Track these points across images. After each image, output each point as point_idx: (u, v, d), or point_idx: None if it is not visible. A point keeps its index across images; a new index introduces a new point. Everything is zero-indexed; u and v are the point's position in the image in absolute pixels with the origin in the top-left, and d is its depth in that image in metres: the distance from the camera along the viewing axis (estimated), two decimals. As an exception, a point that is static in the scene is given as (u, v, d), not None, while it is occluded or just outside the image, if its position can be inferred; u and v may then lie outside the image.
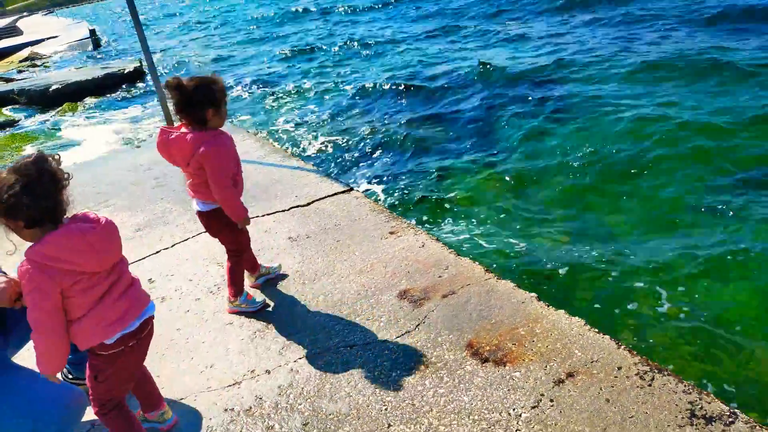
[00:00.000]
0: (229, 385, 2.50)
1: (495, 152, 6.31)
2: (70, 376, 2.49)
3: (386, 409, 2.24)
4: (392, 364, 2.49)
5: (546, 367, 2.34)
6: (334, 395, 2.35)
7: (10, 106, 13.62)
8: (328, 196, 4.45)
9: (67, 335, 1.75)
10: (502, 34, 13.49)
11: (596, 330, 2.52)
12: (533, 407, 2.15)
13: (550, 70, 9.32)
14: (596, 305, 3.50)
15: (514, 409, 2.15)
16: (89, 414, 2.17)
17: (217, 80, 2.56)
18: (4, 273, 2.21)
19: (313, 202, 4.38)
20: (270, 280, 3.29)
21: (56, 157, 1.68)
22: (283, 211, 4.29)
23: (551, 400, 2.17)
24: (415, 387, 2.33)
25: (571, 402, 2.15)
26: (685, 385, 2.14)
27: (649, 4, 13.49)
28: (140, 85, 14.80)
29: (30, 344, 2.34)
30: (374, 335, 2.70)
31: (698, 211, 4.57)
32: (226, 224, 2.80)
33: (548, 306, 2.72)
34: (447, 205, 5.31)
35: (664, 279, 3.76)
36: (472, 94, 8.68)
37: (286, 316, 2.95)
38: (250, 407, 2.35)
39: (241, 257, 2.99)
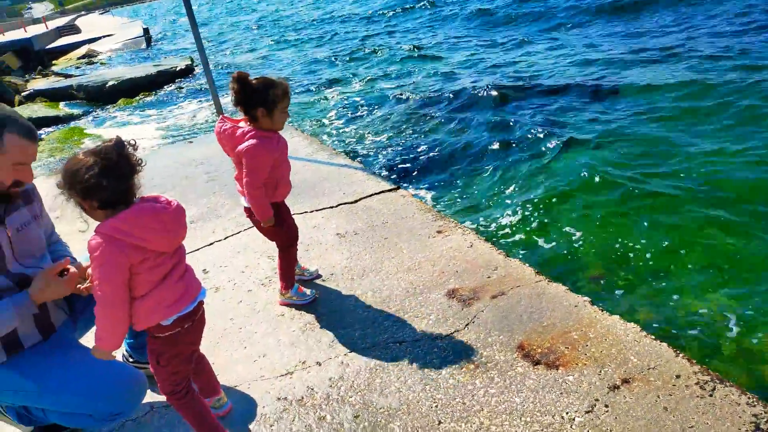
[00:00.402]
0: (281, 375, 2.55)
1: (545, 155, 6.22)
2: (131, 360, 2.59)
3: (436, 406, 2.25)
4: (441, 361, 2.49)
5: (600, 372, 2.30)
6: (384, 390, 2.38)
7: (67, 101, 14.21)
8: (375, 193, 4.48)
9: (129, 312, 1.81)
10: (552, 40, 13.29)
11: (653, 336, 2.47)
12: (587, 412, 2.12)
13: (600, 74, 9.13)
14: (652, 311, 3.41)
15: (567, 413, 2.13)
16: (149, 396, 2.26)
17: (278, 84, 2.60)
18: (74, 259, 2.32)
19: (360, 199, 4.42)
20: (313, 279, 3.33)
21: (132, 143, 1.75)
22: (331, 207, 4.34)
23: (606, 406, 2.13)
24: (465, 386, 2.33)
25: (627, 408, 2.11)
26: (748, 397, 2.07)
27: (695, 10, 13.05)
28: (192, 81, 15.21)
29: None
30: (423, 333, 2.71)
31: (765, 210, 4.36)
32: (273, 223, 2.87)
33: (602, 311, 2.68)
34: (495, 206, 5.27)
35: (725, 284, 3.63)
36: (522, 98, 8.58)
37: (336, 311, 2.99)
38: (302, 397, 2.40)
39: (290, 251, 3.04)
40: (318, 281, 3.30)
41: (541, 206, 4.99)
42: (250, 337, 2.87)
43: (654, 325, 3.28)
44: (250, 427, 2.28)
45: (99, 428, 2.33)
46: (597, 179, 5.26)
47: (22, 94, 14.72)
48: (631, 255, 4.03)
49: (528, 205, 5.03)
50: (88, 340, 2.45)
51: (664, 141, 5.99)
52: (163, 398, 2.44)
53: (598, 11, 14.95)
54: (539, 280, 2.97)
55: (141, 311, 1.81)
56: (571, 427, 2.07)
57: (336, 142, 8.13)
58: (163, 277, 1.81)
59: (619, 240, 4.22)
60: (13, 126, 1.84)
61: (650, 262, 3.94)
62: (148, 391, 2.19)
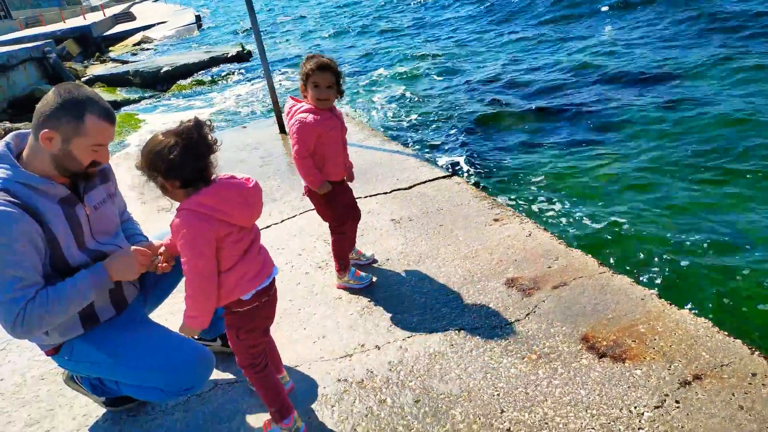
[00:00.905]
0: (341, 357, 2.58)
1: (606, 143, 6.03)
2: (196, 337, 2.66)
3: (498, 395, 2.22)
4: (502, 350, 2.46)
5: (670, 367, 2.22)
6: (444, 376, 2.37)
7: (124, 87, 14.66)
8: (429, 180, 4.45)
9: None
10: (600, 29, 12.83)
11: (725, 332, 2.37)
12: (657, 407, 2.05)
13: (662, 62, 8.77)
14: (723, 306, 3.28)
15: (635, 407, 2.07)
16: (213, 374, 2.33)
17: (310, 59, 2.71)
18: (145, 237, 2.39)
19: (414, 185, 4.40)
20: (370, 264, 3.34)
21: (209, 123, 1.78)
22: (385, 193, 4.34)
23: (677, 402, 2.06)
24: (528, 376, 2.30)
25: (699, 405, 2.03)
26: (834, 400, 1.97)
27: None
28: (243, 67, 15.44)
29: (165, 303, 2.54)
30: (482, 321, 2.68)
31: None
32: (325, 198, 2.93)
33: (670, 304, 2.59)
34: (554, 195, 5.16)
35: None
36: (579, 87, 8.34)
37: (393, 296, 2.99)
38: (362, 380, 2.41)
39: (342, 233, 3.06)
40: (374, 266, 3.31)
41: (603, 196, 4.86)
42: (309, 319, 2.90)
43: (725, 320, 3.15)
44: (312, 406, 2.31)
45: (166, 402, 2.41)
46: (662, 169, 5.08)
47: (82, 79, 15.29)
48: (700, 247, 3.87)
49: (589, 195, 4.90)
50: (156, 315, 2.54)
51: (736, 130, 5.71)
52: (226, 375, 2.52)
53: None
54: (603, 272, 2.89)
55: (225, 285, 1.86)
56: (639, 421, 2.01)
57: (388, 129, 8.12)
58: (244, 251, 1.85)
59: (688, 231, 4.06)
60: (93, 108, 1.89)
61: (721, 256, 3.78)
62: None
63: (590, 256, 3.07)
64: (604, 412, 2.07)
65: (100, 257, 2.07)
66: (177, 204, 1.81)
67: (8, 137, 2.01)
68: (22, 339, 1.95)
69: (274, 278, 1.99)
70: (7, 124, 10.66)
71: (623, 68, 8.82)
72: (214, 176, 1.81)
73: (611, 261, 3.83)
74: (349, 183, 3.08)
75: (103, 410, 2.43)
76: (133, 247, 2.08)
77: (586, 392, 2.17)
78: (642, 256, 3.90)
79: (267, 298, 1.97)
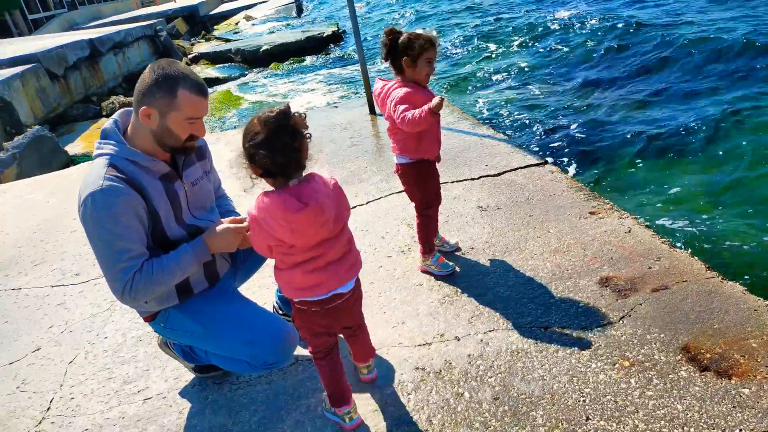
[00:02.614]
0: (420, 345, 2.54)
1: (717, 138, 5.51)
2: (281, 311, 2.73)
3: (584, 401, 2.10)
4: (591, 354, 2.32)
5: (785, 390, 1.99)
6: (526, 375, 2.27)
7: (226, 64, 15.30)
8: (520, 167, 4.27)
9: None
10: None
11: None
12: (766, 433, 1.85)
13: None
14: None
15: (740, 430, 1.87)
16: (297, 351, 2.38)
17: (422, 35, 2.63)
18: (237, 213, 2.46)
19: (504, 172, 4.24)
20: (453, 252, 3.26)
21: (301, 114, 1.75)
22: (473, 179, 4.22)
23: (791, 430, 1.85)
24: (618, 384, 2.15)
25: (818, 437, 1.81)
26: None
27: None
28: (338, 48, 15.63)
29: (254, 277, 2.63)
30: (571, 320, 2.54)
31: None
32: (416, 178, 2.89)
33: (789, 319, 2.32)
34: (657, 190, 4.79)
35: None
36: (697, 74, 7.66)
37: (476, 286, 2.91)
38: (440, 370, 2.37)
39: (429, 215, 3.01)
40: (458, 254, 3.23)
41: (715, 194, 4.44)
42: (389, 303, 2.89)
43: None
44: (388, 392, 2.30)
45: (251, 374, 2.49)
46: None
47: (188, 56, 16.15)
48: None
49: (697, 192, 4.51)
50: (245, 288, 2.62)
51: None
52: (307, 353, 2.56)
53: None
54: (710, 277, 2.64)
55: (278, 279, 1.92)
56: (745, 447, 1.82)
57: (480, 112, 7.91)
58: (296, 264, 1.84)
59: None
60: (185, 82, 1.93)
61: None
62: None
63: (697, 258, 2.82)
64: (702, 431, 1.90)
65: (197, 232, 2.16)
66: (258, 186, 1.83)
67: (116, 114, 2.12)
68: (128, 305, 2.09)
69: (336, 294, 1.92)
70: (122, 98, 11.49)
71: (739, 58, 7.99)
72: (302, 174, 1.78)
73: (721, 266, 3.50)
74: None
75: (192, 376, 2.56)
76: (227, 221, 2.14)
77: (683, 408, 2.00)
78: (758, 262, 3.53)
79: (319, 309, 1.93)
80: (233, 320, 2.18)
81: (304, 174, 1.80)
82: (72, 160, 8.29)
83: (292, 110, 1.73)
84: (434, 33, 2.67)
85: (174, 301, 2.17)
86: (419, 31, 2.67)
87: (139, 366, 2.72)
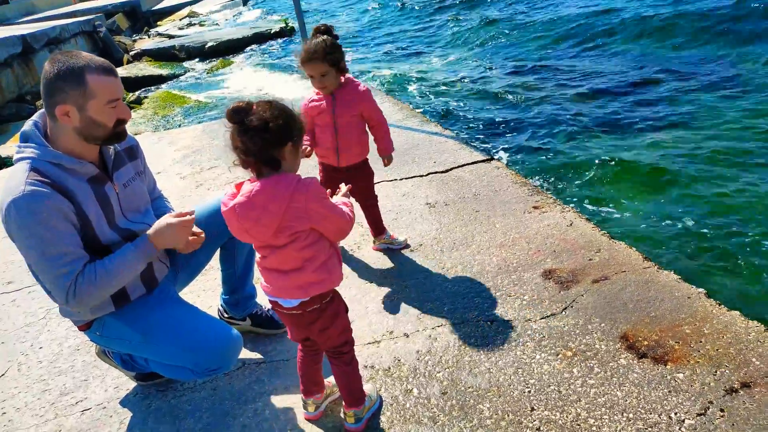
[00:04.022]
0: (369, 343, 2.54)
1: (657, 131, 5.74)
2: (226, 315, 2.66)
3: (529, 392, 2.14)
4: (536, 345, 2.37)
5: (716, 372, 2.09)
6: (473, 369, 2.29)
7: (170, 61, 14.85)
8: (468, 164, 4.33)
9: None
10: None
11: (779, 339, 2.21)
12: (699, 414, 1.93)
13: (723, 51, 8.27)
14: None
15: (676, 414, 1.95)
16: (242, 354, 2.32)
17: (301, 50, 2.70)
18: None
19: (451, 169, 4.29)
20: (401, 249, 3.27)
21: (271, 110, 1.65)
22: (421, 176, 4.25)
23: (721, 410, 1.94)
24: (562, 373, 2.20)
25: (746, 416, 1.90)
26: None
27: None
28: (287, 43, 15.42)
29: (197, 281, 2.56)
30: (516, 313, 2.59)
31: None
32: (324, 183, 2.99)
33: (719, 305, 2.43)
34: (597, 182, 4.95)
35: None
36: (632, 71, 7.95)
37: (424, 282, 2.92)
38: (389, 368, 2.37)
39: (376, 205, 3.22)
40: (406, 252, 3.24)
41: (652, 186, 4.62)
42: (338, 303, 2.86)
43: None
44: (338, 390, 2.28)
45: (194, 380, 2.42)
46: (718, 160, 4.79)
47: (131, 53, 15.57)
48: (756, 245, 3.64)
49: (636, 185, 4.68)
50: (188, 292, 2.54)
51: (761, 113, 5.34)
52: (254, 355, 2.52)
53: None
54: (648, 267, 2.75)
55: None
56: (680, 429, 1.90)
57: (426, 110, 7.96)
58: (262, 257, 1.81)
59: (742, 228, 3.83)
60: (90, 67, 1.83)
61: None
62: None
63: (635, 249, 2.92)
64: (641, 416, 1.97)
65: (131, 236, 2.07)
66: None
67: (36, 116, 1.99)
68: (75, 311, 2.00)
69: (281, 305, 1.85)
70: (58, 97, 10.97)
71: (684, 53, 8.36)
72: (269, 171, 1.69)
73: (657, 256, 3.64)
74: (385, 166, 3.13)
75: (134, 384, 2.47)
76: (171, 215, 2.04)
77: (623, 394, 2.07)
78: (691, 251, 3.70)
79: (281, 311, 1.89)
80: (173, 326, 2.10)
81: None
82: (5, 162, 7.86)
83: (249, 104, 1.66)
84: (313, 43, 2.63)
85: (110, 308, 2.08)
86: (308, 41, 2.71)
87: (77, 376, 2.60)
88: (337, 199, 1.89)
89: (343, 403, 2.07)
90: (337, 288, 1.92)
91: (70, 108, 1.83)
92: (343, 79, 2.82)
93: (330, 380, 2.23)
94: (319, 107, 2.82)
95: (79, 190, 1.90)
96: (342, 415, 2.09)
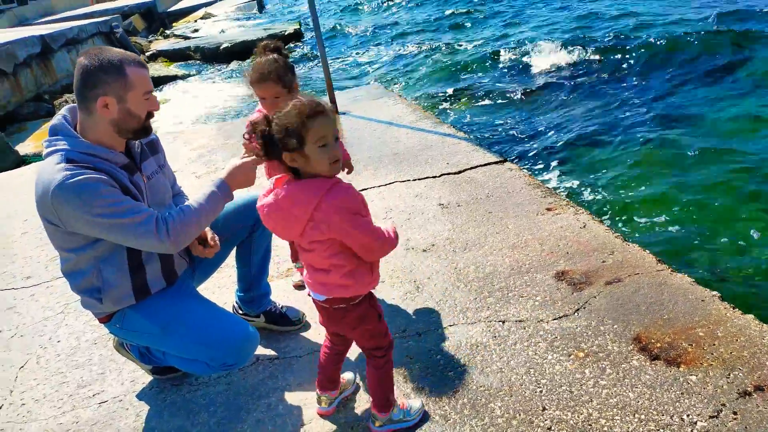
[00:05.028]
0: (381, 342, 2.55)
1: (677, 135, 5.69)
2: (240, 312, 2.70)
3: (541, 392, 2.15)
4: (548, 346, 2.38)
5: (729, 375, 2.09)
6: (485, 368, 2.31)
7: (185, 62, 14.99)
8: (481, 165, 4.34)
9: None
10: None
11: (794, 343, 2.20)
12: (711, 417, 1.93)
13: (732, 42, 8.19)
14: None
15: (688, 415, 1.95)
16: (257, 350, 2.35)
17: (256, 64, 2.51)
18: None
19: (464, 170, 4.30)
20: (415, 248, 3.29)
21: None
22: (434, 177, 4.26)
23: (734, 413, 1.93)
24: (573, 374, 2.21)
25: (759, 419, 1.90)
26: None
27: None
28: (301, 46, 15.51)
29: (213, 277, 2.60)
30: (528, 314, 2.60)
31: None
32: None
33: (733, 308, 2.43)
34: (611, 185, 4.93)
35: None
36: (649, 67, 7.89)
37: (437, 282, 2.94)
38: (402, 366, 2.38)
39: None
40: (419, 252, 3.25)
41: (667, 190, 4.59)
42: (351, 301, 2.89)
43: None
44: (350, 388, 2.30)
45: (209, 375, 2.46)
46: (738, 168, 4.73)
47: (146, 54, 15.75)
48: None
49: (650, 188, 4.66)
50: (204, 288, 2.58)
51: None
52: (268, 351, 2.55)
53: None
54: (661, 269, 2.74)
55: None
56: (692, 430, 1.90)
57: (439, 111, 7.98)
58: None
59: (758, 233, 3.79)
60: (127, 60, 1.92)
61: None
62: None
63: (648, 251, 2.92)
64: (653, 417, 1.97)
65: None
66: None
67: (63, 110, 2.04)
68: (172, 250, 1.98)
69: (321, 301, 1.87)
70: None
71: (711, 58, 8.26)
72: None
73: (672, 259, 3.62)
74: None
75: (150, 378, 2.51)
76: (241, 159, 2.11)
77: (635, 395, 2.07)
78: (706, 255, 3.69)
79: (314, 301, 1.92)
80: (192, 321, 2.13)
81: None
82: (23, 160, 8.01)
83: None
84: (266, 61, 2.48)
85: (130, 301, 2.12)
86: (259, 59, 2.50)
87: (94, 369, 2.65)
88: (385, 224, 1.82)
89: (371, 401, 2.07)
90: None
91: (111, 100, 1.90)
92: None
93: (344, 376, 2.25)
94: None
95: (116, 174, 1.94)
96: (370, 414, 2.09)
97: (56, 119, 1.99)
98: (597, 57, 8.69)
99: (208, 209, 2.03)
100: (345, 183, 1.69)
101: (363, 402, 2.22)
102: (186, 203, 2.03)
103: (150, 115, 2.03)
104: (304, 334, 2.69)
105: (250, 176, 2.11)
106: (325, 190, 1.64)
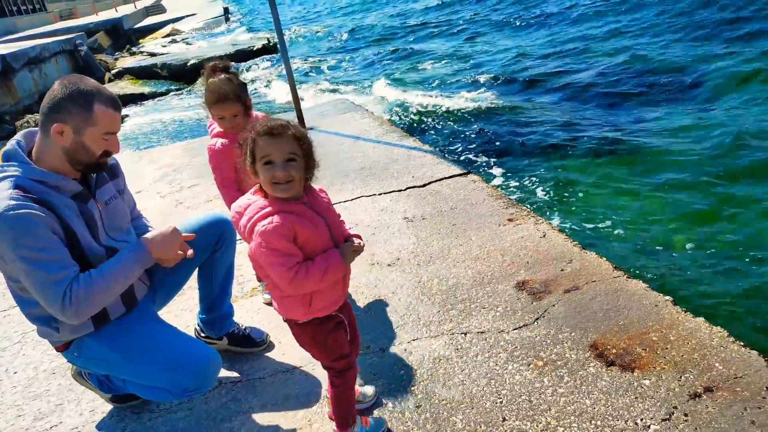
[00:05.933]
0: (345, 359, 2.56)
1: (628, 139, 5.87)
2: (203, 335, 2.67)
3: (501, 402, 2.18)
4: (508, 356, 2.41)
5: (680, 378, 2.15)
6: (447, 381, 2.33)
7: (152, 79, 14.85)
8: (445, 178, 4.39)
9: None
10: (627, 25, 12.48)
11: (741, 343, 2.28)
12: (664, 420, 1.99)
13: (690, 60, 8.48)
14: (741, 315, 3.16)
15: (641, 419, 2.00)
16: (221, 373, 2.34)
17: (211, 84, 2.54)
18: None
19: (429, 183, 4.35)
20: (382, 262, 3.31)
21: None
22: (399, 191, 4.30)
23: (685, 415, 1.99)
24: (533, 383, 2.25)
25: (708, 419, 1.96)
26: None
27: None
28: (269, 60, 15.51)
29: (175, 300, 2.57)
30: (490, 324, 2.63)
31: None
32: None
33: (685, 312, 2.50)
34: (571, 195, 5.05)
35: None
36: (607, 80, 8.12)
37: (401, 296, 2.96)
38: (367, 383, 2.39)
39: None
40: (383, 266, 3.28)
41: (623, 198, 4.73)
42: (315, 319, 2.89)
43: (743, 331, 3.04)
44: (314, 408, 2.30)
45: (171, 401, 2.42)
46: (686, 175, 4.91)
47: (112, 71, 15.57)
48: (720, 255, 3.74)
49: (609, 197, 4.78)
50: (166, 312, 2.55)
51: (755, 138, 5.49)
52: (231, 374, 2.53)
53: None
54: (617, 276, 2.81)
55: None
56: (645, 435, 1.95)
57: (405, 124, 8.05)
58: None
59: (708, 238, 3.93)
60: (101, 97, 1.92)
61: (741, 265, 3.64)
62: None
63: (605, 259, 2.99)
64: (608, 423, 2.01)
65: (114, 253, 2.08)
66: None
67: (18, 135, 2.03)
68: (73, 321, 1.92)
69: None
70: (38, 117, 10.94)
71: (663, 67, 8.53)
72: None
73: (627, 265, 3.73)
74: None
75: (110, 407, 2.47)
76: (173, 226, 2.11)
77: (591, 402, 2.11)
78: (659, 261, 3.79)
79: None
80: (152, 346, 2.11)
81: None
82: (-17, 184, 7.79)
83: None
84: (224, 79, 2.51)
85: (89, 329, 2.08)
86: (215, 78, 2.54)
87: (51, 400, 2.59)
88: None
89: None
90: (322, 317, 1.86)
91: (66, 128, 1.89)
92: (254, 116, 2.67)
93: (363, 389, 2.29)
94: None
95: (63, 206, 1.91)
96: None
97: (10, 144, 1.97)
98: (560, 71, 8.89)
99: (120, 275, 1.97)
100: (280, 216, 1.66)
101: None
102: (100, 267, 1.95)
103: (107, 153, 2.01)
104: (268, 354, 2.68)
105: (173, 246, 2.08)
106: (257, 211, 1.69)
